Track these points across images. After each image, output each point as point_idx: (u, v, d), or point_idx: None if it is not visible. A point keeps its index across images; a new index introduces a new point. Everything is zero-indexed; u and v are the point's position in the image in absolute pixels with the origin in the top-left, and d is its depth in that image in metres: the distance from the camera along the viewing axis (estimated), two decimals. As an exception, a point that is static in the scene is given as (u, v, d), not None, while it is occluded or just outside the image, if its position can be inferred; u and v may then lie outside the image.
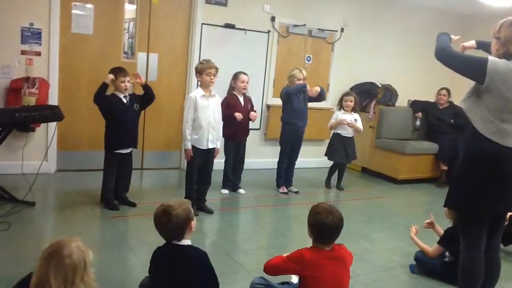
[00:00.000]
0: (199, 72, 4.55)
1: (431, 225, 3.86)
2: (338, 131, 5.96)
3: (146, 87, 4.63)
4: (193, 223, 2.46)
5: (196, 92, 4.57)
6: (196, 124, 4.51)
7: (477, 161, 2.72)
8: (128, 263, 3.52)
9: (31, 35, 5.20)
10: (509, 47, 2.61)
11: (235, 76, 5.31)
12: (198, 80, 4.71)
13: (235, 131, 5.35)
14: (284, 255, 2.79)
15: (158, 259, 2.50)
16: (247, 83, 5.32)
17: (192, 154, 4.55)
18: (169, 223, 2.36)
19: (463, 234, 2.86)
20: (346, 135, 5.94)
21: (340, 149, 5.97)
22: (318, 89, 5.52)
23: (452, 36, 2.88)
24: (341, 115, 5.94)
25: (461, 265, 2.88)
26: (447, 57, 2.75)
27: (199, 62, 4.83)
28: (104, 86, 4.36)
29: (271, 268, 2.71)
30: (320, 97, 5.61)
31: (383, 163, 7.00)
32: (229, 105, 5.22)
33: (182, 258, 2.40)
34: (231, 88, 5.35)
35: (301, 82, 5.46)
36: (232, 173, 5.54)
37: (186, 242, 2.43)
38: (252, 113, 5.40)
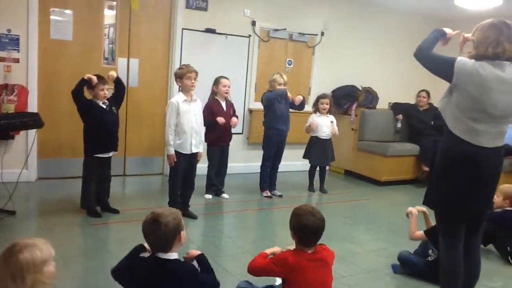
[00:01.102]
0: (179, 77, 4.53)
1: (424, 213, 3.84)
2: (316, 134, 5.99)
3: (117, 78, 4.57)
4: (183, 235, 2.38)
5: (177, 97, 4.55)
6: (179, 129, 4.49)
7: (452, 161, 2.75)
8: (110, 269, 3.46)
9: (9, 42, 5.13)
10: (480, 49, 2.66)
11: (217, 81, 5.31)
12: (179, 86, 4.69)
13: (219, 136, 5.34)
14: (267, 251, 2.80)
15: (138, 270, 2.39)
16: (229, 87, 5.32)
17: (175, 159, 4.52)
18: (157, 231, 2.27)
19: (442, 233, 2.90)
20: (323, 137, 5.97)
21: (318, 151, 5.99)
22: (301, 98, 5.59)
23: (449, 31, 2.90)
24: (316, 118, 5.97)
25: (441, 264, 2.92)
26: (422, 56, 2.81)
27: (178, 67, 4.83)
28: (83, 81, 4.30)
29: (255, 269, 2.70)
30: (301, 105, 5.68)
31: (365, 166, 7.05)
32: (212, 111, 5.22)
33: (166, 274, 2.30)
34: (213, 93, 5.35)
35: (282, 86, 5.48)
36: (216, 178, 5.53)
37: (173, 255, 2.34)
38: (233, 119, 5.39)
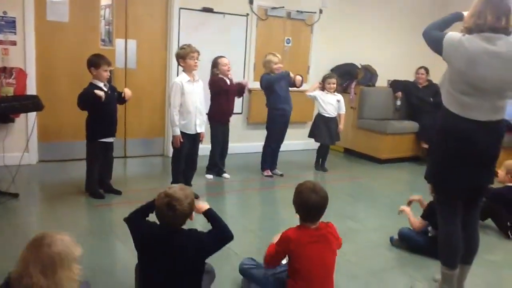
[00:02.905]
0: (182, 57, 4.51)
1: (417, 201, 3.91)
2: (321, 112, 6.00)
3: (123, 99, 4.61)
4: (193, 214, 2.50)
5: (181, 78, 4.54)
6: (184, 109, 4.50)
7: (445, 134, 2.79)
8: (116, 250, 3.52)
9: (5, 24, 5.08)
10: (469, 22, 2.70)
11: (216, 62, 5.25)
12: (181, 66, 4.64)
13: (223, 112, 5.37)
14: (274, 239, 2.84)
15: (147, 230, 2.50)
16: (229, 65, 5.30)
17: (181, 140, 4.54)
18: (173, 216, 2.37)
19: (439, 207, 2.94)
20: (328, 116, 5.99)
21: (324, 129, 6.02)
22: (300, 78, 5.59)
23: (465, 13, 2.90)
24: (323, 96, 5.98)
25: (439, 238, 2.96)
26: (423, 34, 2.88)
27: (179, 47, 4.77)
28: (93, 86, 4.30)
29: (269, 260, 2.77)
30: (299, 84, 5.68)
31: (365, 144, 7.07)
32: (218, 84, 5.21)
33: (172, 241, 2.42)
34: (215, 75, 5.29)
35: (278, 66, 5.46)
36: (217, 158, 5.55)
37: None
38: (243, 80, 5.43)
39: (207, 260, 2.59)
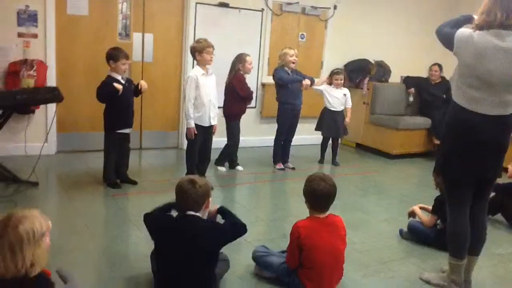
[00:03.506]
0: (198, 51, 4.60)
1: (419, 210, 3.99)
2: (327, 106, 6.08)
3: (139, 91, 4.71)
4: (210, 202, 2.66)
5: (196, 71, 4.64)
6: (198, 102, 4.61)
7: (453, 127, 2.88)
8: (132, 237, 3.64)
9: (27, 18, 5.23)
10: (479, 19, 2.78)
11: (242, 59, 5.33)
12: (197, 59, 4.72)
13: (241, 110, 5.49)
14: None
15: (166, 223, 2.64)
16: (252, 64, 5.47)
17: (196, 132, 4.64)
18: (192, 189, 2.53)
19: (448, 198, 3.02)
20: (335, 110, 6.07)
21: (330, 123, 6.10)
22: (308, 82, 5.69)
23: (475, 16, 2.95)
24: (330, 90, 6.07)
25: (447, 228, 3.03)
26: (436, 32, 2.98)
27: (196, 41, 4.85)
28: (111, 79, 4.42)
29: (288, 260, 2.89)
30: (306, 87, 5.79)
31: (377, 139, 7.13)
32: (243, 83, 5.34)
33: (189, 227, 2.55)
34: (237, 70, 5.35)
35: (293, 58, 5.55)
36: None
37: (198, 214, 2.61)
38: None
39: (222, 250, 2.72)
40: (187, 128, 4.73)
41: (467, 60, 2.76)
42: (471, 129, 2.77)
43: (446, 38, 2.89)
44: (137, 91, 4.71)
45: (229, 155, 5.62)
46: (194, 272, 2.53)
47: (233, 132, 5.49)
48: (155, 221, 2.71)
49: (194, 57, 4.77)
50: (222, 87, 5.38)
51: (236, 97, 5.37)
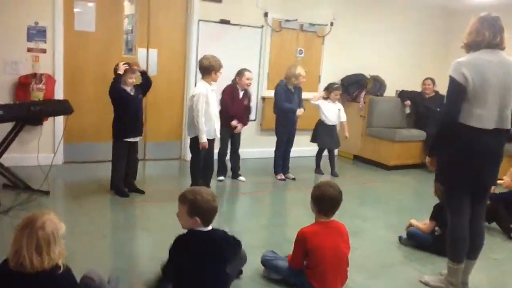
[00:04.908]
0: (216, 69, 4.74)
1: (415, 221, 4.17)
2: (323, 120, 6.28)
3: (144, 73, 4.87)
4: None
5: (205, 87, 4.76)
6: (207, 116, 4.76)
7: (454, 141, 3.02)
8: (141, 242, 3.79)
9: (37, 33, 5.41)
10: (469, 39, 2.97)
11: (240, 73, 5.55)
12: (206, 75, 4.78)
13: (230, 117, 5.61)
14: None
15: (185, 243, 2.63)
16: (251, 80, 5.63)
17: (206, 146, 4.78)
18: (215, 207, 2.64)
19: (448, 204, 3.19)
20: (329, 124, 6.27)
21: (324, 134, 6.29)
22: (302, 112, 5.92)
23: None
24: (326, 104, 6.28)
25: (448, 233, 3.19)
26: (444, 113, 3.12)
27: (212, 59, 4.78)
28: (119, 77, 4.57)
29: (291, 262, 3.06)
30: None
31: (374, 151, 7.32)
32: (231, 96, 5.52)
33: (212, 241, 2.67)
34: (234, 82, 5.59)
35: (303, 80, 5.81)
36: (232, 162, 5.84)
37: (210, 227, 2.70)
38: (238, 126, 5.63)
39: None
40: (200, 143, 4.73)
41: (470, 79, 2.89)
42: (471, 143, 2.94)
43: (458, 96, 2.92)
44: (146, 79, 4.84)
45: (222, 162, 5.73)
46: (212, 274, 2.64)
47: (223, 138, 5.54)
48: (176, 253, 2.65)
49: (206, 73, 4.79)
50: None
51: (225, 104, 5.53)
